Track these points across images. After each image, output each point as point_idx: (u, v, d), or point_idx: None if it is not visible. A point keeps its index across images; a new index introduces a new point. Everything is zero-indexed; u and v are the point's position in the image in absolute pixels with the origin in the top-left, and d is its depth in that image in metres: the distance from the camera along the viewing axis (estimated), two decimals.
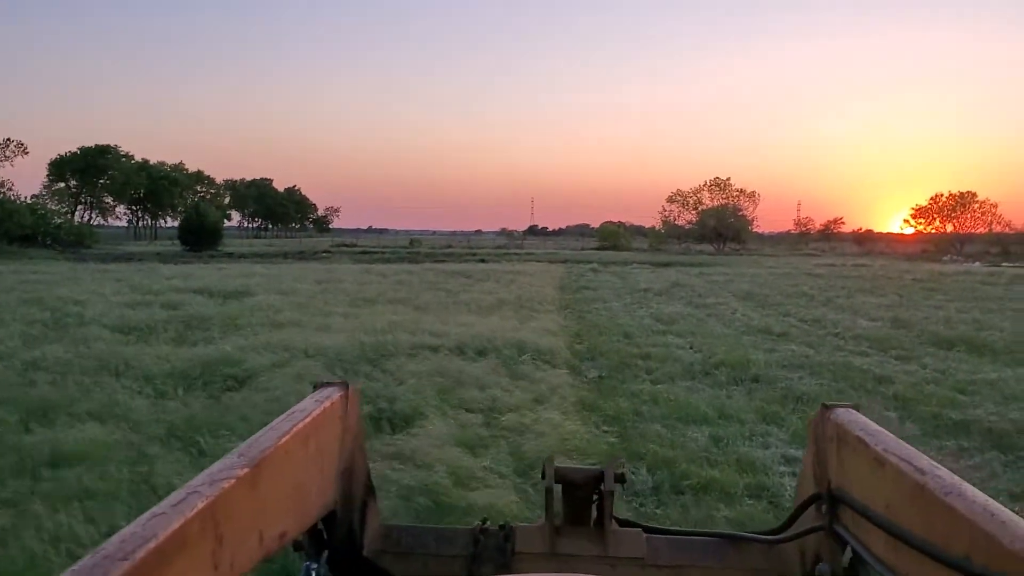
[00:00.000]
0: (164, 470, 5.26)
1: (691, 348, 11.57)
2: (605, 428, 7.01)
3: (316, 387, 1.68)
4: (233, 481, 1.11)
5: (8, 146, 70.67)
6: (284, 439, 1.31)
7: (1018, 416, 7.36)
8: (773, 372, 9.69)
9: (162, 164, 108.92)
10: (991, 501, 1.08)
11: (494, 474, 5.39)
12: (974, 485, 1.14)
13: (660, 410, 7.58)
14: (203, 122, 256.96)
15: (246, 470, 1.15)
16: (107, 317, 12.96)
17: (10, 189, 64.31)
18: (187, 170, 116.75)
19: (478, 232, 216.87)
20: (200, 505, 1.01)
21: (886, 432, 1.43)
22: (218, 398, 7.60)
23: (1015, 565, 0.93)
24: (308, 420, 1.44)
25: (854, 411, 1.58)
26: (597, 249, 78.09)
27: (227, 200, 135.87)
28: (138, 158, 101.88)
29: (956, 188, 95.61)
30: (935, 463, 1.25)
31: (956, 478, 1.17)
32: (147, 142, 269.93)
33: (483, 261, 43.25)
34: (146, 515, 0.97)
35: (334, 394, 1.63)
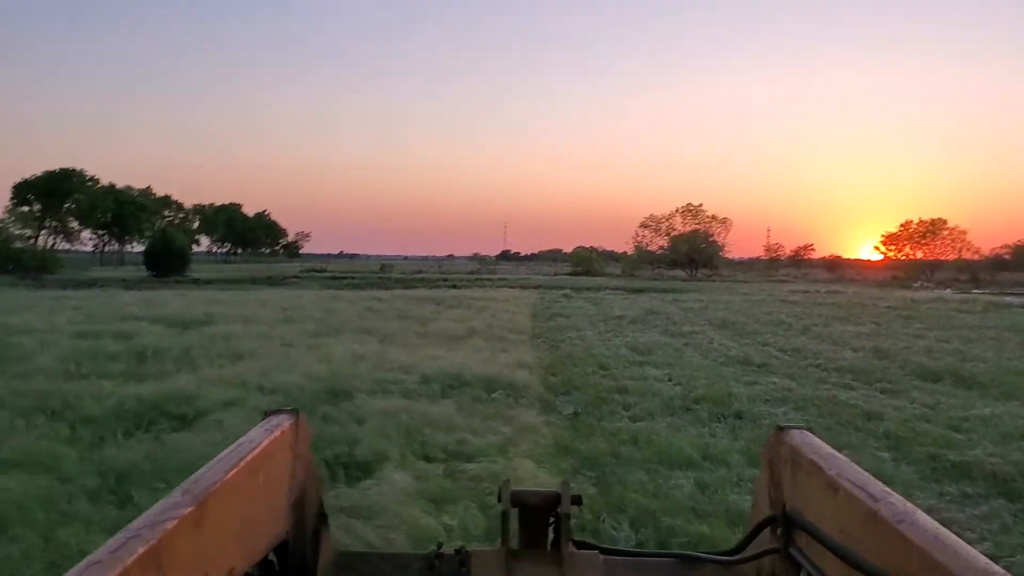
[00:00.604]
0: (88, 533, 4.65)
1: (670, 380, 11.10)
2: (582, 474, 6.49)
3: (266, 415, 1.63)
4: (176, 521, 1.05)
5: None
6: (232, 473, 1.27)
7: (1020, 458, 6.95)
8: (757, 407, 9.24)
9: (130, 188, 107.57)
10: (942, 529, 1.10)
11: (461, 533, 4.85)
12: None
13: (641, 452, 7.08)
14: (172, 146, 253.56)
15: (190, 508, 1.10)
16: (55, 349, 12.26)
17: None
18: (155, 195, 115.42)
19: (450, 257, 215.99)
20: (141, 550, 0.96)
21: (840, 455, 1.44)
22: (163, 441, 6.98)
23: None
24: (257, 451, 1.39)
25: (808, 433, 1.59)
26: (570, 274, 77.92)
27: (196, 225, 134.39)
28: (104, 182, 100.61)
29: (924, 215, 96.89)
30: (888, 489, 1.27)
31: (909, 505, 1.19)
32: (115, 166, 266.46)
33: (454, 287, 42.69)
34: (83, 563, 0.92)
35: (284, 422, 1.59)
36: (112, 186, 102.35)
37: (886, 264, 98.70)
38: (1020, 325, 20.84)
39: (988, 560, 1.01)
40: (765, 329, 19.40)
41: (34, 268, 57.01)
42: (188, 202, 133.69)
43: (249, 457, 1.34)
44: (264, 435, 1.47)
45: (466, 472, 6.02)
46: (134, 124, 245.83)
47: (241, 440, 1.44)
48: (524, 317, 21.04)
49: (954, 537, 1.07)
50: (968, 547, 1.04)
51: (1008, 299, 33.20)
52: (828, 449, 1.47)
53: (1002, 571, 1.00)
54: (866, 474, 1.34)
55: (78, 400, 8.25)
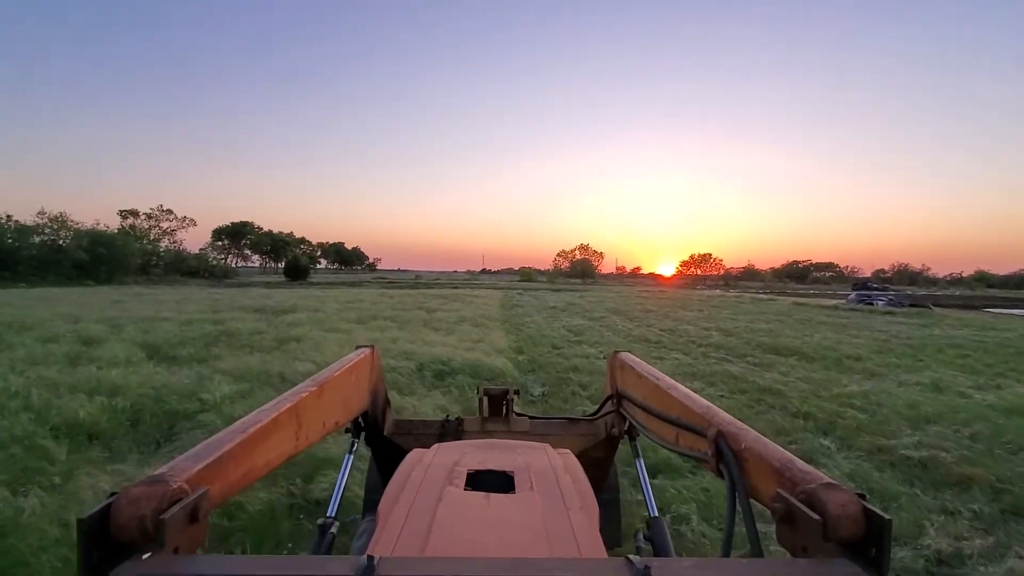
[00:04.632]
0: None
1: (604, 358, 7.87)
2: None
3: (357, 348, 1.46)
4: (306, 394, 1.00)
5: (183, 219, 61.96)
6: (337, 372, 1.19)
7: (972, 453, 3.86)
8: (683, 384, 6.02)
9: (280, 232, 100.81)
10: (687, 391, 1.05)
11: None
12: None
13: None
14: (312, 206, 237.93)
15: (314, 388, 1.04)
16: (146, 336, 8.50)
17: (179, 244, 57.01)
18: (293, 234, 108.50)
19: (455, 271, 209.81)
20: (287, 406, 0.92)
21: (643, 362, 1.34)
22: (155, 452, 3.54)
23: (698, 420, 0.91)
24: (351, 363, 1.29)
25: (629, 353, 1.46)
26: (520, 281, 74.41)
27: (319, 254, 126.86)
28: (266, 229, 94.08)
29: (696, 251, 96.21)
30: (659, 373, 1.20)
31: (672, 380, 1.13)
32: (274, 218, 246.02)
33: (455, 287, 38.99)
34: (256, 411, 0.87)
35: (366, 350, 1.45)
36: (270, 231, 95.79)
37: (678, 277, 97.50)
38: (783, 311, 18.06)
39: (710, 403, 0.94)
40: (643, 315, 16.28)
41: (221, 275, 52.42)
42: (315, 240, 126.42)
43: (347, 365, 1.25)
44: (356, 355, 1.36)
45: None
46: (286, 191, 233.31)
47: (344, 358, 1.31)
48: (496, 308, 17.56)
49: (691, 393, 1.02)
50: (699, 398, 0.98)
51: (760, 295, 30.66)
52: (637, 359, 1.39)
53: (718, 408, 0.92)
54: (651, 367, 1.27)
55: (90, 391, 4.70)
